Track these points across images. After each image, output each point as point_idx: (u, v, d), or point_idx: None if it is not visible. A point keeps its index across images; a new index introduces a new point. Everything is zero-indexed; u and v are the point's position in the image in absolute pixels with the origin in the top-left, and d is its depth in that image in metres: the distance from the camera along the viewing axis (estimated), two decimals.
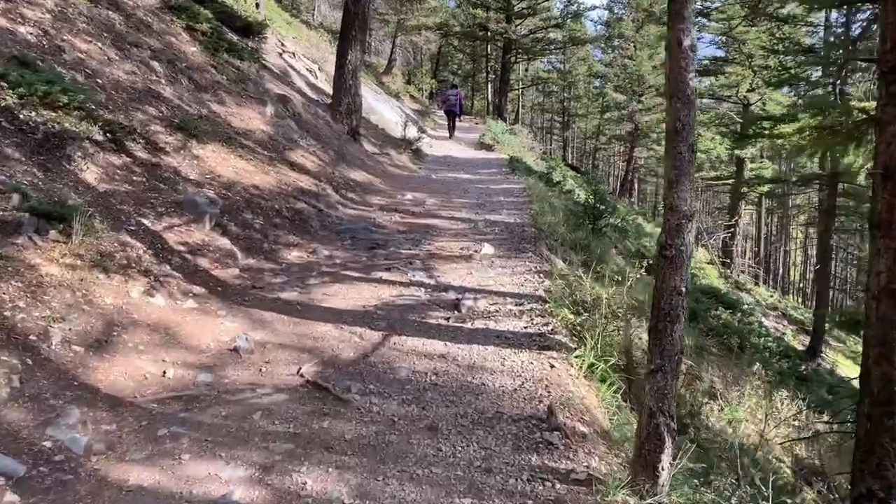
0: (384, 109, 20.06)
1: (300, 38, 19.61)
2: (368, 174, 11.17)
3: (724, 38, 27.36)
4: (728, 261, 28.04)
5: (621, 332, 5.07)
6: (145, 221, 5.42)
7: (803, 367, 11.73)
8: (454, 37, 38.26)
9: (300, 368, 3.90)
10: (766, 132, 13.85)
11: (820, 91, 15.18)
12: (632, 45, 36.99)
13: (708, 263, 27.22)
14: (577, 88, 50.46)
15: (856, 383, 12.98)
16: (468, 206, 9.55)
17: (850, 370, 18.82)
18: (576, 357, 4.26)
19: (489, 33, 36.02)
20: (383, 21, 31.77)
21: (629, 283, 5.34)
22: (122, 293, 4.34)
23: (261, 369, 3.91)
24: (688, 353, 8.22)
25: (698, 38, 34.70)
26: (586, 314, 5.10)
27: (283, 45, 17.19)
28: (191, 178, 6.70)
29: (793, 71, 13.99)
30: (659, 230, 3.12)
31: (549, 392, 3.77)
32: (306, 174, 8.97)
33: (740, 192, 27.74)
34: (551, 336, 4.59)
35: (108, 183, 5.67)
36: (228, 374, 3.82)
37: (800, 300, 45.20)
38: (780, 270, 47.85)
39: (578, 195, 16.79)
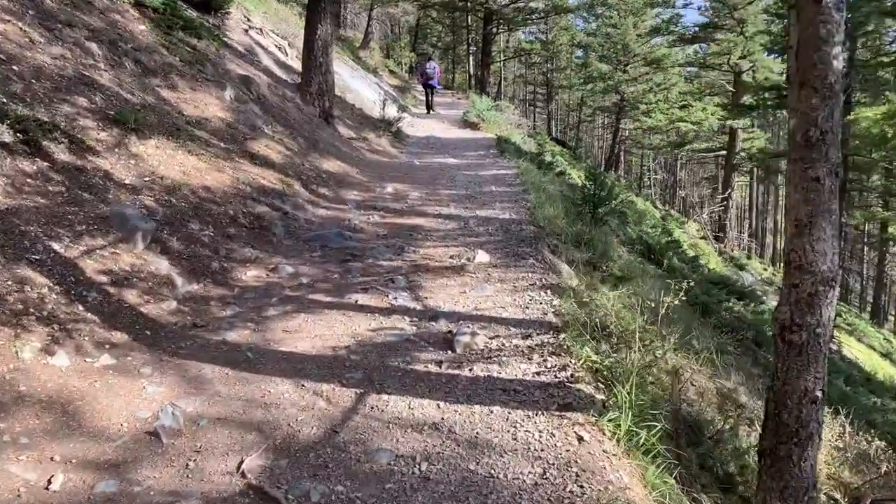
0: (361, 87, 18.81)
1: (269, 13, 18.20)
2: (344, 163, 10.04)
3: (712, 3, 26.24)
4: (721, 234, 27.28)
5: (658, 372, 4.09)
6: (57, 246, 4.31)
7: None
8: (432, 8, 36.70)
9: (241, 462, 2.86)
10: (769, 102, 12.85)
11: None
12: (616, 12, 35.71)
13: (701, 239, 26.45)
14: (560, 59, 49.18)
15: (867, 368, 12.06)
16: (457, 198, 8.48)
17: (856, 350, 18.15)
18: (608, 421, 3.26)
19: (469, 3, 34.54)
20: None
21: (663, 305, 4.31)
22: (7, 355, 3.27)
23: (188, 465, 2.86)
24: (705, 359, 7.32)
25: (686, 4, 33.44)
26: (612, 351, 4.09)
27: (248, 20, 15.85)
28: (125, 182, 5.57)
29: None
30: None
31: (581, 486, 2.77)
32: (271, 168, 7.84)
33: (733, 164, 26.87)
34: (572, 386, 3.58)
35: (12, 197, 4.55)
36: (142, 476, 2.77)
37: None
38: (770, 239, 47.39)
39: (571, 176, 15.77)
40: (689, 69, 34.48)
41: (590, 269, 7.36)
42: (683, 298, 9.85)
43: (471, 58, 40.76)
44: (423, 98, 26.24)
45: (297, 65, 15.80)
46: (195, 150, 6.86)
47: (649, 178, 54.62)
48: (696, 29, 28.81)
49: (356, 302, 4.77)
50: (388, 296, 4.89)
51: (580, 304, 4.99)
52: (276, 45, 16.34)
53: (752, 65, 25.97)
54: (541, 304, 4.81)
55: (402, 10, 31.58)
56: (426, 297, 4.91)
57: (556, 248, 6.84)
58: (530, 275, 5.47)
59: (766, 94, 13.51)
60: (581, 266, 7.13)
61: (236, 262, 5.39)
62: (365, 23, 34.03)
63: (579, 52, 46.53)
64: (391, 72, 34.34)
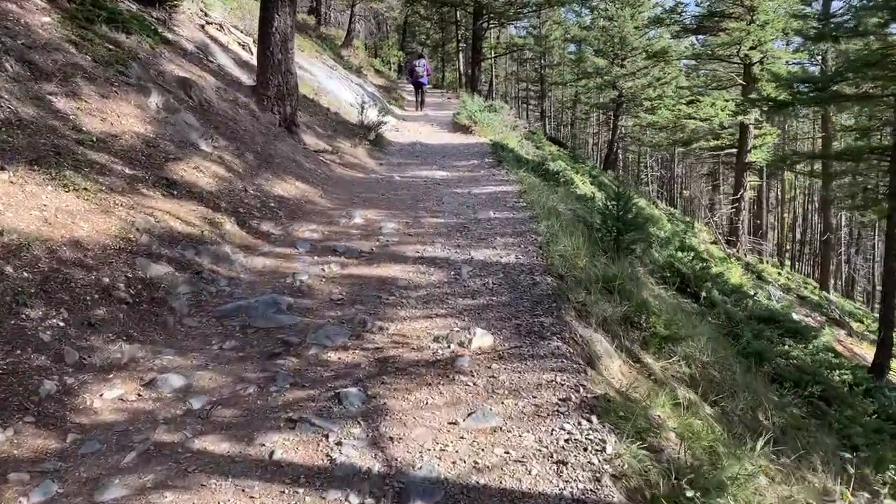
0: (339, 89, 16.80)
1: (235, 8, 16.16)
2: (304, 184, 8.04)
3: None
4: (734, 238, 25.37)
5: None
6: None
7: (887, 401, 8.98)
8: (419, 3, 34.68)
9: None
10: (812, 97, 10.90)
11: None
12: (612, 4, 33.76)
13: (712, 244, 24.59)
14: (552, 55, 47.25)
15: None
16: (445, 230, 6.50)
17: None
18: None
19: None
20: None
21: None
22: None
23: None
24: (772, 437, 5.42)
25: None
26: None
27: (206, 14, 13.83)
28: None
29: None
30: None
31: None
32: (195, 200, 5.84)
33: (745, 163, 24.93)
34: None
35: None
36: None
37: (801, 268, 42.95)
38: (778, 237, 45.51)
39: (576, 184, 13.80)
40: (687, 62, 32.62)
41: (626, 326, 5.47)
42: (734, 345, 7.94)
43: (461, 55, 38.80)
44: (411, 98, 24.93)
45: None
46: (76, 184, 4.86)
47: (647, 175, 52.82)
48: (697, 18, 26.84)
49: (271, 455, 2.79)
50: (327, 437, 2.91)
51: (638, 433, 3.05)
52: (239, 43, 14.34)
53: (762, 55, 24.07)
54: (586, 451, 2.83)
55: (387, 5, 29.55)
56: (392, 439, 2.92)
57: (583, 308, 4.89)
58: (558, 378, 3.49)
59: (802, 87, 11.58)
60: (616, 324, 5.25)
61: (93, 372, 3.39)
62: (348, 20, 31.94)
63: (572, 47, 44.63)
64: (377, 71, 32.37)
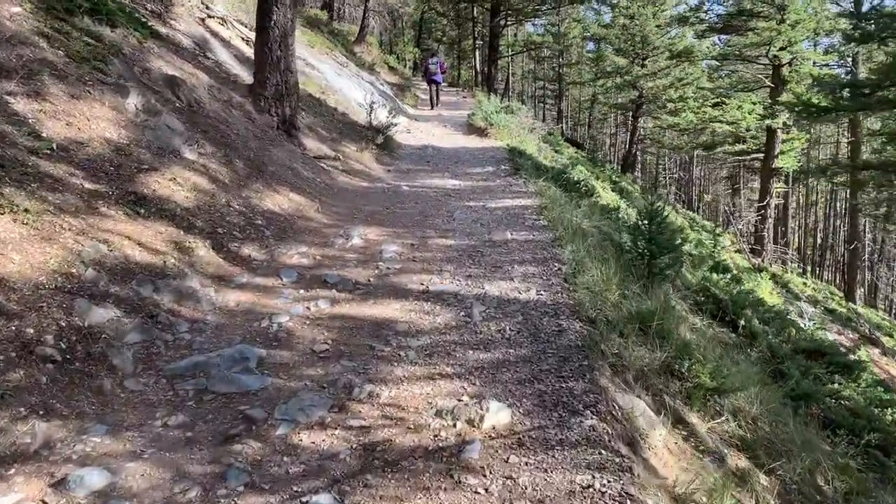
0: (347, 87, 16.00)
1: (240, 1, 15.39)
2: (300, 195, 7.23)
3: None
4: (759, 247, 24.34)
5: None
6: None
7: None
8: None
9: None
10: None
11: None
12: (634, 2, 32.74)
13: (736, 252, 23.60)
14: (570, 54, 46.25)
15: None
16: (455, 256, 5.66)
17: None
18: None
19: None
20: None
21: None
22: None
23: None
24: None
25: None
26: None
27: (207, 7, 13.10)
28: None
29: None
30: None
31: None
32: (165, 219, 5.05)
33: (772, 169, 23.87)
34: None
35: None
36: None
37: (821, 273, 41.64)
38: (799, 242, 44.16)
39: (598, 192, 12.91)
40: (709, 63, 31.47)
41: (666, 377, 4.66)
42: (781, 386, 7.04)
43: (477, 53, 37.90)
44: (425, 97, 24.24)
45: None
46: (15, 204, 4.08)
47: (665, 177, 51.64)
48: (723, 16, 25.73)
49: None
50: None
51: None
52: (242, 38, 13.59)
53: (793, 56, 23.02)
54: None
55: (402, 0, 28.65)
56: None
57: (619, 362, 4.06)
58: (597, 481, 2.66)
59: (844, 93, 10.65)
60: (655, 375, 4.44)
61: None
62: (362, 16, 31.08)
63: (590, 46, 43.59)
64: (391, 68, 31.57)
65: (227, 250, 5.12)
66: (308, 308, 4.38)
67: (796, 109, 12.54)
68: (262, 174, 7.23)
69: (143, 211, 4.95)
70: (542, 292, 4.79)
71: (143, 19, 9.01)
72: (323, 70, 15.58)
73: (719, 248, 14.96)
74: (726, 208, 31.72)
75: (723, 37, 34.52)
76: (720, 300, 7.83)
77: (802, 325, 12.32)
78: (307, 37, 19.96)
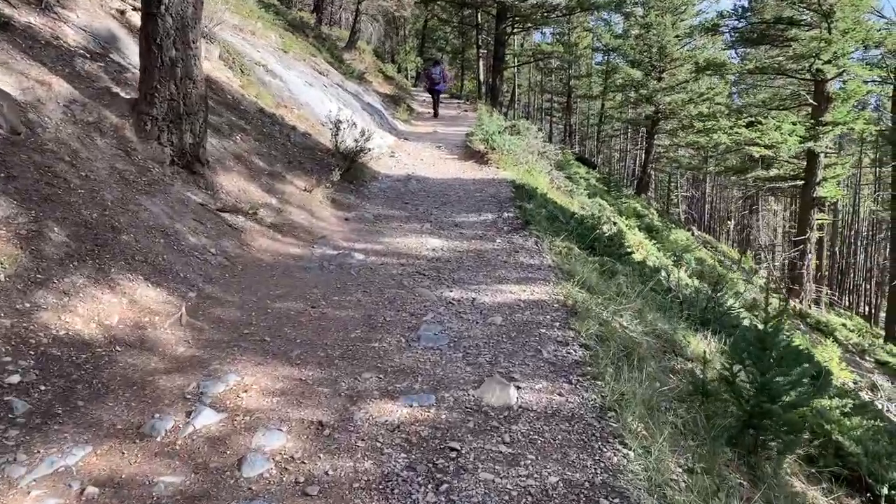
0: (318, 100, 13.08)
1: None
2: (159, 288, 4.28)
3: None
4: (797, 287, 21.34)
5: None
6: None
7: None
8: (435, 3, 31.03)
9: None
10: None
11: None
12: (651, 10, 29.91)
13: (773, 292, 20.56)
14: (580, 65, 43.43)
15: None
16: (399, 458, 2.72)
17: None
18: None
19: None
20: None
21: None
22: None
23: None
24: None
25: None
26: None
27: None
28: None
29: None
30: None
31: None
32: None
33: (813, 198, 20.88)
34: None
35: None
36: None
37: (838, 295, 38.44)
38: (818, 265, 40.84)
39: (631, 245, 9.95)
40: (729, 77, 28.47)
41: None
42: None
43: (481, 62, 35.01)
44: (421, 110, 22.25)
45: (209, 68, 10.22)
46: None
47: (677, 196, 48.61)
48: (757, 25, 22.79)
49: None
50: None
51: None
52: None
53: (840, 70, 20.10)
54: None
55: (397, 2, 25.84)
56: None
57: None
58: None
59: None
60: None
61: None
62: (353, 20, 28.20)
63: (598, 57, 40.70)
64: (387, 78, 28.71)
65: None
66: None
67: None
68: (103, 250, 4.29)
69: None
70: None
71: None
72: (288, 79, 12.68)
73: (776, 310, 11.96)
74: (757, 240, 28.69)
75: (744, 49, 31.66)
76: (848, 456, 4.87)
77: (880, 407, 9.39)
78: (286, 40, 17.13)
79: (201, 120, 6.18)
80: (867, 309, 37.78)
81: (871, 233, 42.87)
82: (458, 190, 9.67)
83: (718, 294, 7.88)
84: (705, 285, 12.38)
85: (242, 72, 11.26)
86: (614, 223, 9.59)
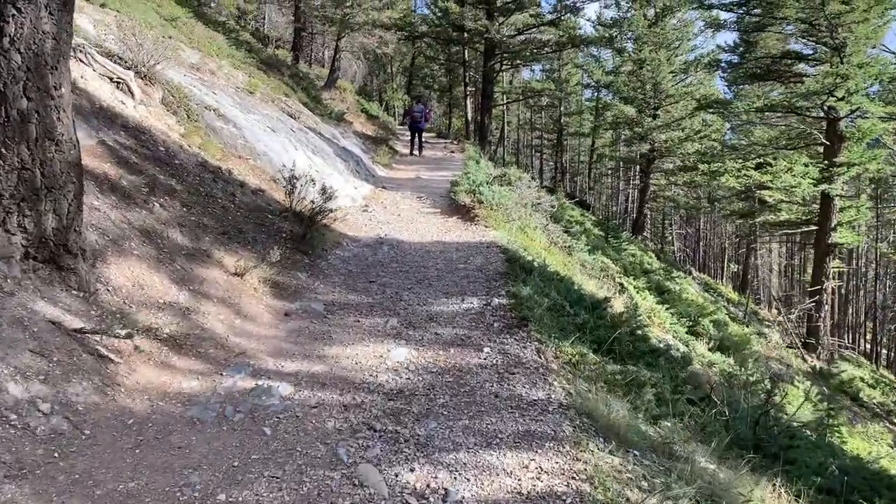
0: (280, 148, 11.37)
1: (118, 22, 10.76)
2: None
3: (802, 25, 18.94)
4: (813, 341, 19.62)
5: None
6: None
7: None
8: (420, 38, 29.78)
9: None
10: None
11: None
12: (645, 45, 28.75)
13: (788, 347, 18.87)
14: (570, 102, 42.28)
15: None
16: None
17: None
18: None
19: (466, 34, 27.58)
20: (323, 18, 22.96)
21: None
22: None
23: None
24: None
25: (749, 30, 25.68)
26: None
27: None
28: None
29: None
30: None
31: None
32: None
33: (828, 245, 19.31)
34: None
35: None
36: None
37: (855, 340, 36.82)
38: (849, 319, 39.17)
39: (658, 329, 8.19)
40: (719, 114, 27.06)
41: None
42: None
43: (469, 100, 33.65)
44: (403, 151, 20.87)
45: (145, 114, 8.55)
46: None
47: (671, 234, 47.19)
48: (763, 61, 21.47)
49: None
50: None
51: None
52: (111, 78, 8.90)
53: (853, 108, 18.71)
54: None
55: (379, 39, 24.46)
56: None
57: None
58: None
59: None
60: None
61: None
62: (332, 57, 26.76)
63: (588, 94, 39.59)
64: (370, 116, 27.22)
65: None
66: None
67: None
68: None
69: None
70: None
71: None
72: (244, 124, 10.99)
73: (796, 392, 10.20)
74: (770, 290, 27.04)
75: (739, 86, 30.47)
76: None
77: None
78: (252, 80, 15.55)
79: (71, 195, 4.41)
80: (868, 347, 36.36)
81: (867, 271, 41.62)
82: (438, 259, 7.93)
83: (771, 400, 6.11)
84: (731, 360, 10.62)
85: (189, 117, 9.57)
86: (630, 297, 7.87)
